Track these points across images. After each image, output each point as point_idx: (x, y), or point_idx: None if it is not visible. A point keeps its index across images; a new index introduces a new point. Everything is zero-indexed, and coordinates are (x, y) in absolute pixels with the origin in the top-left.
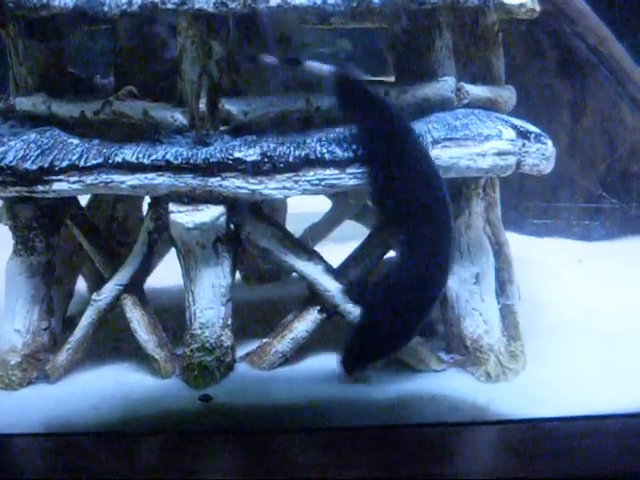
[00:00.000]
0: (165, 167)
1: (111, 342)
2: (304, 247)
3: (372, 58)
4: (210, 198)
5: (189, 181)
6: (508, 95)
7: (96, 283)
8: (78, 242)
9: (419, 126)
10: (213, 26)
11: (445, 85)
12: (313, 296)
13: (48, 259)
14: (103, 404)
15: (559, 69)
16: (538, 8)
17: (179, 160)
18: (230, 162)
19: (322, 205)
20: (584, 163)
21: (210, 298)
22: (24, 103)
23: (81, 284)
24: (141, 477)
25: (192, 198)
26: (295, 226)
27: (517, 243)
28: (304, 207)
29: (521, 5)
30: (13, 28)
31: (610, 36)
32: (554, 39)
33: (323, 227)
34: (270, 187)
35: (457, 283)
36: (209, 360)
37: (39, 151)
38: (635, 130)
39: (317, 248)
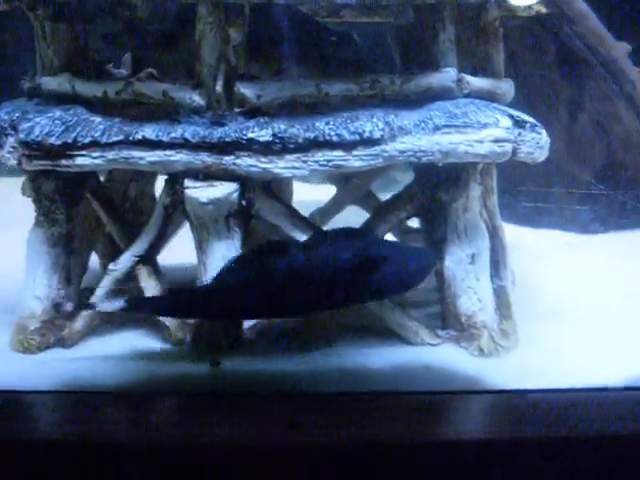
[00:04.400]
0: (183, 145)
1: None
2: (310, 224)
3: (378, 52)
4: (224, 175)
5: (205, 159)
6: (506, 87)
7: (109, 259)
8: (94, 218)
9: (422, 113)
10: (231, 14)
11: (447, 75)
12: None
13: (68, 230)
14: (117, 368)
15: (559, 67)
16: (544, 10)
17: (196, 139)
18: (244, 142)
19: (327, 194)
20: (579, 155)
21: None
22: (49, 82)
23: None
24: (152, 434)
25: (207, 175)
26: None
27: (512, 231)
28: (310, 195)
29: (525, 7)
30: (42, 11)
31: (608, 36)
32: (555, 39)
33: (327, 212)
34: (280, 166)
35: (454, 263)
36: (217, 329)
37: (63, 127)
38: (628, 125)
39: None
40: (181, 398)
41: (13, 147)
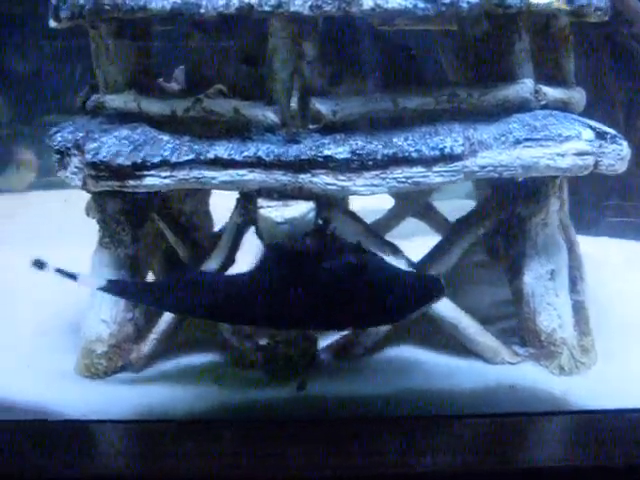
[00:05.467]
0: (257, 163)
1: (195, 334)
2: (387, 242)
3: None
4: (299, 194)
5: (280, 177)
6: (579, 97)
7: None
8: (153, 236)
9: (501, 126)
10: (305, 28)
11: (524, 87)
12: None
13: (134, 252)
14: (187, 393)
15: (615, 70)
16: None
17: (270, 157)
18: (320, 159)
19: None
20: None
21: None
22: (115, 100)
23: None
24: (225, 463)
25: (281, 194)
26: None
27: (587, 243)
28: (365, 203)
29: (597, 9)
30: (105, 28)
31: None
32: (610, 41)
33: (386, 223)
34: (358, 184)
35: (533, 279)
36: (293, 351)
37: (132, 147)
38: None
39: None
40: (257, 426)
41: (77, 167)
